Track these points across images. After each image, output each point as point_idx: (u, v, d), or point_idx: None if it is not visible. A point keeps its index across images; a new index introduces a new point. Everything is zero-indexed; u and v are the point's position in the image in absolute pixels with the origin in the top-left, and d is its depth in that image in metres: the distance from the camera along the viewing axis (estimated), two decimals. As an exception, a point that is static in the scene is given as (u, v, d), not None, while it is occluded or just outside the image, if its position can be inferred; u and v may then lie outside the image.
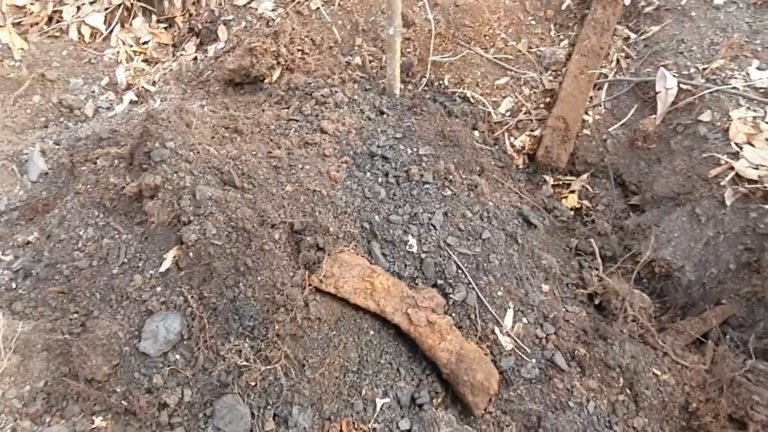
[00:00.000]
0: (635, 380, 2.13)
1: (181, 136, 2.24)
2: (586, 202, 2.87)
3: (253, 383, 1.88)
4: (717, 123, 2.51)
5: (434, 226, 2.22)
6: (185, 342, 1.95)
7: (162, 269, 2.03)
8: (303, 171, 2.23)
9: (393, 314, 1.99)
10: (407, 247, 2.17)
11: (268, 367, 1.88)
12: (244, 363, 1.87)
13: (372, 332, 2.03)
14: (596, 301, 2.49)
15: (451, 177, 2.35)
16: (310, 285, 1.94)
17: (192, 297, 1.96)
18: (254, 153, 2.33)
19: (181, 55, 3.79)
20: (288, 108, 2.76)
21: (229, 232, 1.98)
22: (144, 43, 3.88)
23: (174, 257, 2.03)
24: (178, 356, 1.93)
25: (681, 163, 2.56)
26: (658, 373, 2.19)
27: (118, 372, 1.92)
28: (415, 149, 2.40)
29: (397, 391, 2.02)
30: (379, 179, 2.28)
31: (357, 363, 1.99)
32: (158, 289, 2.01)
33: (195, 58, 3.71)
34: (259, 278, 1.93)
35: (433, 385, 2.10)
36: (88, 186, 2.43)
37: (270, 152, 2.35)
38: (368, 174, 2.28)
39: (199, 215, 2.02)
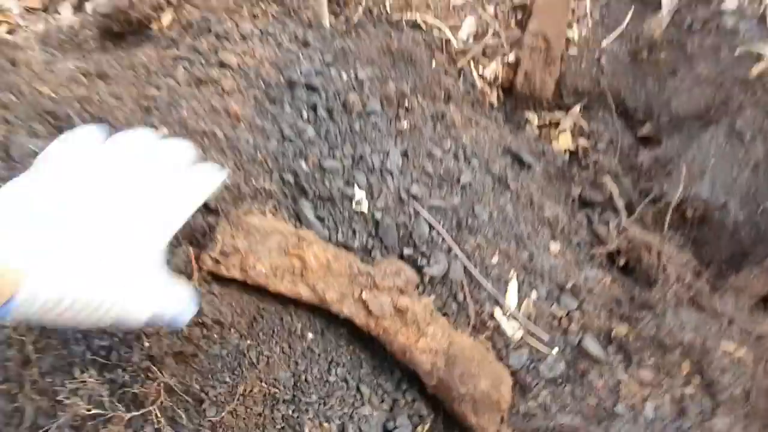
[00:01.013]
0: (705, 362, 1.46)
1: (-3, 75, 1.47)
2: (582, 142, 2.22)
3: (118, 442, 1.12)
4: (747, 9, 1.90)
5: (390, 172, 1.51)
6: (1, 386, 1.17)
7: (-41, 273, 1.25)
8: (188, 110, 1.49)
9: (340, 303, 1.26)
10: (354, 204, 1.45)
11: (138, 412, 1.12)
12: (98, 411, 1.11)
13: (311, 336, 1.30)
14: (620, 262, 1.83)
15: (406, 104, 1.65)
16: (200, 269, 1.20)
17: (6, 311, 1.19)
18: (117, 95, 1.57)
19: (54, 19, 2.99)
20: (177, 48, 2.00)
21: (59, 199, 1.22)
22: (7, 10, 3.06)
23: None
24: (-13, 412, 1.16)
25: (705, 69, 1.94)
26: (730, 348, 1.53)
27: None
28: (352, 73, 1.69)
29: (361, 422, 1.30)
30: (304, 114, 1.56)
31: (291, 387, 1.25)
32: (-48, 305, 1.23)
33: (71, 22, 2.92)
34: (111, 267, 1.17)
35: (414, 405, 1.38)
36: None
37: (143, 93, 1.60)
38: (287, 108, 1.56)
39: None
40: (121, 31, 2.40)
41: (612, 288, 1.70)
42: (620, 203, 1.79)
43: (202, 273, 1.18)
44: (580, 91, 2.24)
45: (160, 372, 1.14)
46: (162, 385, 1.14)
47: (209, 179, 0.93)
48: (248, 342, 1.22)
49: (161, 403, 1.13)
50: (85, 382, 1.13)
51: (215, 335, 1.19)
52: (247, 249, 1.21)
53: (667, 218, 1.79)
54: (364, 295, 1.27)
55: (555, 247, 1.69)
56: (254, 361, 1.22)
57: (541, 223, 1.71)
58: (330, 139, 1.51)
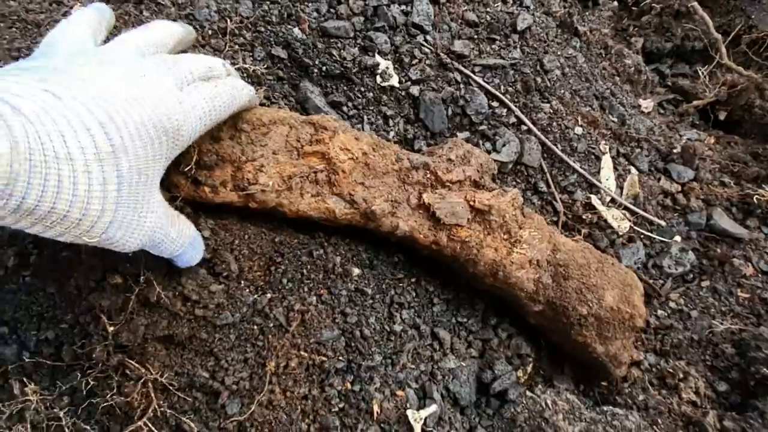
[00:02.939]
0: None
1: None
2: (630, -19, 1.76)
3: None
4: None
5: (420, 27, 1.05)
6: None
7: None
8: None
9: (393, 216, 0.84)
10: (379, 79, 1.00)
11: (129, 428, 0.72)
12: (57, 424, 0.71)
13: (357, 272, 0.88)
14: (720, 116, 1.42)
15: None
16: (171, 199, 0.76)
17: None
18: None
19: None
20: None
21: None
22: None
23: None
24: None
25: None
26: None
27: None
28: None
29: (447, 379, 0.91)
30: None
31: (344, 349, 0.85)
32: None
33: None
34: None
35: (511, 344, 0.99)
36: None
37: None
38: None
39: None
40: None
41: (721, 148, 1.30)
42: (717, 35, 1.35)
43: (175, 204, 0.74)
44: None
45: (143, 366, 0.72)
46: (150, 385, 0.72)
47: (233, 94, 0.71)
48: (269, 296, 0.81)
49: (154, 411, 0.72)
50: (28, 400, 0.71)
51: (218, 296, 0.77)
52: (240, 154, 0.77)
53: (778, 46, 1.36)
54: (425, 198, 0.85)
55: (647, 104, 1.26)
56: (282, 321, 0.80)
57: (623, 75, 1.28)
58: (324, -9, 1.04)
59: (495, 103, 1.06)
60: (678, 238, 1.11)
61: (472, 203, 0.86)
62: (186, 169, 0.73)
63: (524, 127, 1.07)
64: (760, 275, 1.06)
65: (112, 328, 0.71)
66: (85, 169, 0.52)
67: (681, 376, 0.98)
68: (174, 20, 0.92)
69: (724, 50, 1.34)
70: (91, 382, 0.72)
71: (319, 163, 0.81)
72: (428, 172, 0.87)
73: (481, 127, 1.05)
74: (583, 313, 0.91)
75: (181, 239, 0.69)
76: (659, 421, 0.93)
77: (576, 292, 0.91)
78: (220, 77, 0.72)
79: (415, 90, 1.02)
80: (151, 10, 0.94)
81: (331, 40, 0.99)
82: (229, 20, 0.95)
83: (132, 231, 0.60)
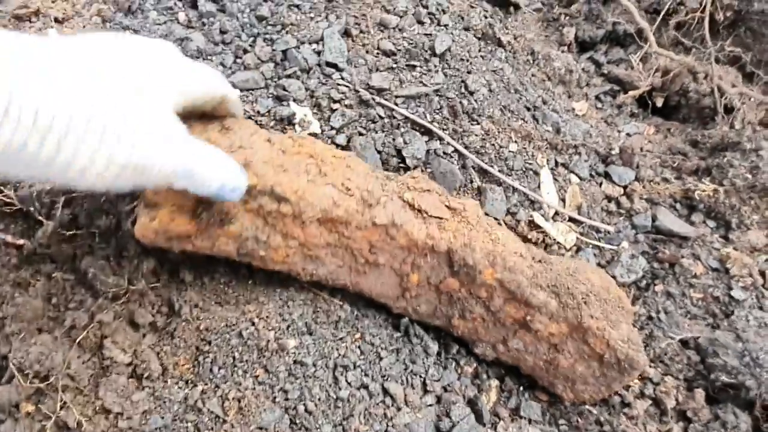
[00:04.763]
0: (829, 196, 1.07)
1: None
2: (556, -31, 1.72)
3: None
4: None
5: (334, 65, 1.00)
6: None
7: None
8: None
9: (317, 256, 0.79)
10: (298, 129, 0.95)
11: None
12: None
13: (293, 343, 0.83)
14: (657, 102, 1.40)
15: (325, -38, 1.11)
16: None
17: None
18: None
19: None
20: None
21: None
22: None
23: None
24: None
25: None
26: None
27: None
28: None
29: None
30: (181, 15, 1.01)
31: (287, 428, 0.80)
32: None
33: None
34: None
35: (468, 372, 0.96)
36: None
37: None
38: (153, 14, 1.01)
39: None
40: None
41: (662, 140, 1.28)
42: (644, 23, 1.32)
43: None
44: None
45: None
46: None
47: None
48: (200, 388, 0.76)
49: None
50: None
51: (142, 404, 0.72)
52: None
53: (705, 26, 1.33)
54: (407, 196, 0.81)
55: (580, 105, 1.23)
56: (218, 413, 0.76)
57: (553, 79, 1.24)
58: (231, 41, 0.98)
59: (417, 130, 1.01)
60: (625, 243, 1.09)
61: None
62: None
63: (454, 152, 1.03)
64: (710, 272, 1.05)
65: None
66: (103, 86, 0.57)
67: (649, 392, 0.96)
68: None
69: (652, 38, 1.31)
70: None
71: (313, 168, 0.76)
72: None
73: (410, 158, 1.00)
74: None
75: (223, 170, 0.70)
76: (625, 443, 0.91)
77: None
78: None
79: (341, 138, 0.97)
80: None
81: (242, 93, 0.94)
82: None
83: (162, 156, 0.62)
